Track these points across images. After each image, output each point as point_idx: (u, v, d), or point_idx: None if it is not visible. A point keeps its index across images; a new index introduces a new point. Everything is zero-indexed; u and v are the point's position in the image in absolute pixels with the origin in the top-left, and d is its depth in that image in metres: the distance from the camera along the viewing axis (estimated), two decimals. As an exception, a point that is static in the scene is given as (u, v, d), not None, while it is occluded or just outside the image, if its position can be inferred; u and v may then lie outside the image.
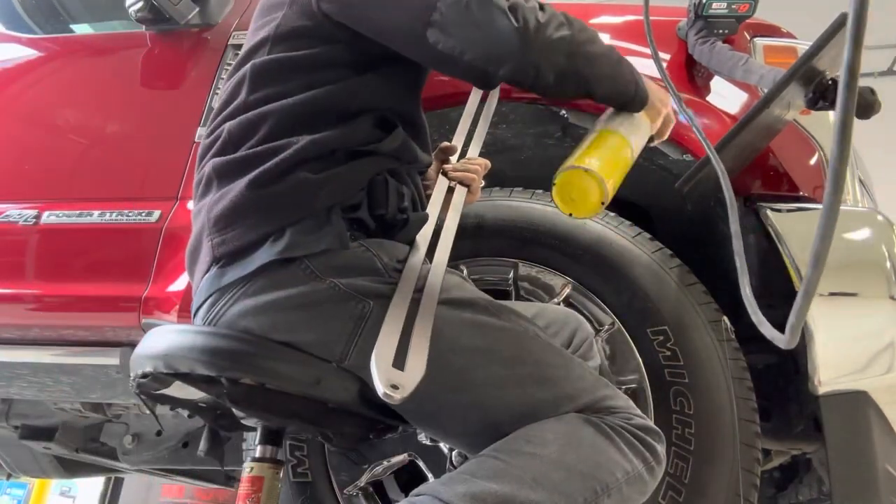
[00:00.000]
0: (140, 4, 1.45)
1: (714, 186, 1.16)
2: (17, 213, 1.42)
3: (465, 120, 1.16)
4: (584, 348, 1.05)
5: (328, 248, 0.78)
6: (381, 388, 0.65)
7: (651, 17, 1.10)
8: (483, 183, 1.10)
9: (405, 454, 1.18)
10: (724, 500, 1.02)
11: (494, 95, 1.23)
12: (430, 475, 1.16)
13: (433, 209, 0.95)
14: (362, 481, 1.18)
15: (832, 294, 1.06)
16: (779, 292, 1.09)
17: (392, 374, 0.66)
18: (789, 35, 1.35)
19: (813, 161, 1.23)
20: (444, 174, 1.03)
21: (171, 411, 0.98)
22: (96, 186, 1.46)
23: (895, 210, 1.23)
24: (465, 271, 1.25)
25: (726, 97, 1.28)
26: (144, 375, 0.83)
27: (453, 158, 1.11)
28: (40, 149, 1.54)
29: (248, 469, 0.87)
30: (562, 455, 0.71)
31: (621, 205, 1.45)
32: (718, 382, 1.07)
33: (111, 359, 1.33)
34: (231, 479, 2.26)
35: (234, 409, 0.85)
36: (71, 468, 2.30)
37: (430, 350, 0.71)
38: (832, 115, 1.26)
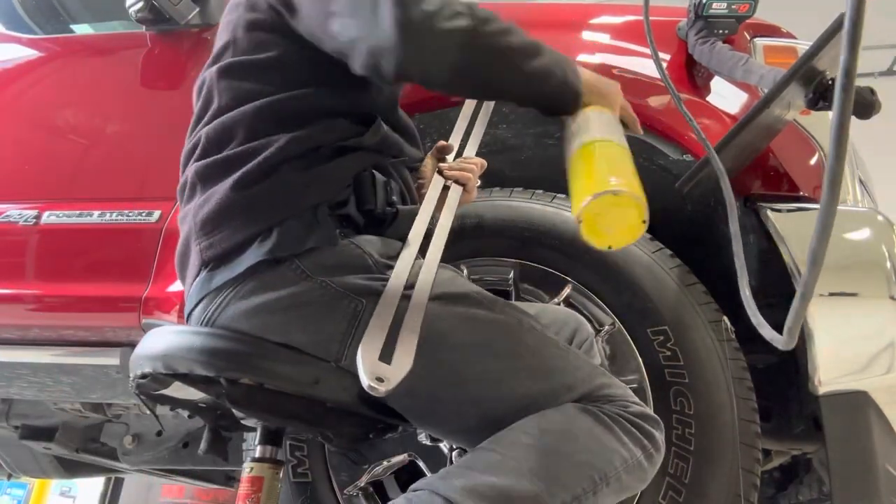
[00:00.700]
0: (140, 4, 1.45)
1: (714, 186, 1.16)
2: (18, 213, 1.42)
3: (463, 119, 1.16)
4: (584, 348, 1.05)
5: (316, 246, 0.77)
6: (365, 381, 0.64)
7: (651, 18, 1.10)
8: (479, 182, 1.09)
9: (405, 454, 1.18)
10: (725, 501, 1.02)
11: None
12: (429, 475, 1.15)
13: (427, 207, 0.93)
14: (362, 481, 1.18)
15: (832, 294, 1.06)
16: (779, 292, 1.09)
17: (377, 368, 0.66)
18: (789, 35, 1.35)
19: (813, 161, 1.23)
20: (440, 173, 1.02)
21: (171, 412, 0.98)
22: (96, 187, 1.46)
23: (895, 210, 1.23)
24: (465, 271, 1.25)
25: (726, 97, 1.28)
26: (144, 376, 0.83)
27: (450, 157, 1.10)
28: (40, 149, 1.54)
29: (247, 469, 0.87)
30: (559, 445, 0.70)
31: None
32: (719, 382, 1.07)
33: (111, 359, 1.33)
34: (231, 480, 2.26)
35: (233, 410, 0.85)
36: (71, 468, 2.30)
37: (424, 347, 0.71)
38: (832, 116, 1.26)
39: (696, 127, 0.93)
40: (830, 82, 0.93)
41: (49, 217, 1.40)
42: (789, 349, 0.49)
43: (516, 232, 1.24)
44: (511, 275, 1.24)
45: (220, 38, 0.91)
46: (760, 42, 1.32)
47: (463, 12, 0.76)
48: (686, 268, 1.18)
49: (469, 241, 1.24)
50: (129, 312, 1.30)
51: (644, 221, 0.77)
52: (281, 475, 0.89)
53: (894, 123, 2.62)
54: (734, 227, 0.75)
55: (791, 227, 1.12)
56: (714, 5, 1.25)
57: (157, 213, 1.35)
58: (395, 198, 0.89)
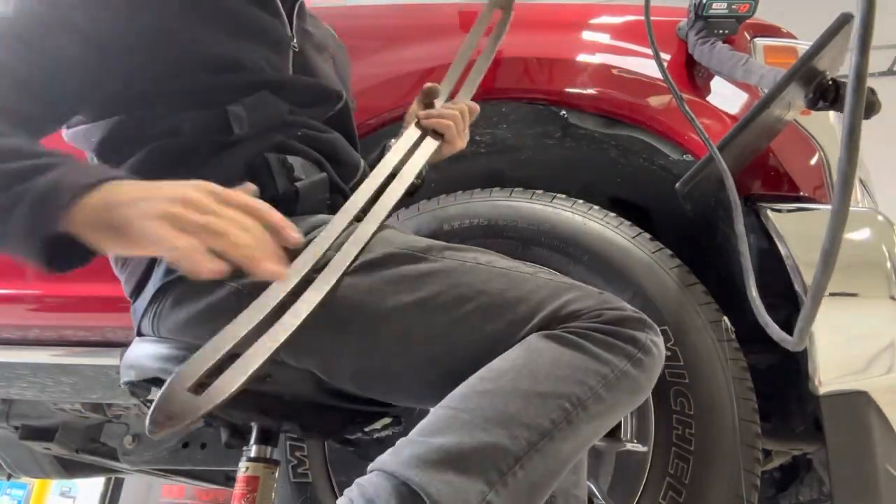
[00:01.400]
0: (140, 5, 1.44)
1: (714, 187, 1.16)
2: (18, 213, 1.42)
3: (460, 59, 1.04)
4: None
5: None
6: (146, 421, 0.55)
7: (651, 18, 1.10)
8: (466, 130, 0.99)
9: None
10: (725, 501, 1.01)
11: (504, 25, 1.10)
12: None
13: (389, 161, 0.85)
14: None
15: (832, 294, 1.06)
16: (779, 292, 1.09)
17: (173, 404, 0.56)
18: (789, 35, 1.35)
19: (813, 161, 1.23)
20: (417, 122, 0.93)
21: None
22: (96, 187, 1.45)
23: (895, 210, 1.23)
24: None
25: (726, 97, 1.28)
26: (127, 383, 0.86)
27: (438, 102, 1.00)
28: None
29: (243, 469, 0.87)
30: (517, 382, 0.63)
31: (622, 205, 1.45)
32: (719, 383, 1.07)
33: (111, 359, 1.33)
34: (231, 480, 2.26)
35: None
36: (71, 468, 2.30)
37: (356, 324, 0.69)
38: (832, 116, 1.26)
39: (698, 127, 0.93)
40: (830, 82, 0.93)
41: (49, 217, 1.40)
42: (799, 350, 0.49)
43: (516, 232, 1.23)
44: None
45: None
46: (760, 42, 1.32)
47: None
48: (686, 268, 1.18)
49: (469, 242, 1.24)
50: (129, 313, 1.30)
51: None
52: (276, 475, 0.89)
53: (894, 123, 2.62)
54: (739, 227, 0.75)
55: (791, 227, 1.12)
56: (714, 5, 1.25)
57: (157, 214, 1.35)
58: (297, 174, 0.82)
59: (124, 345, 1.32)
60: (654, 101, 1.27)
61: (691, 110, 1.08)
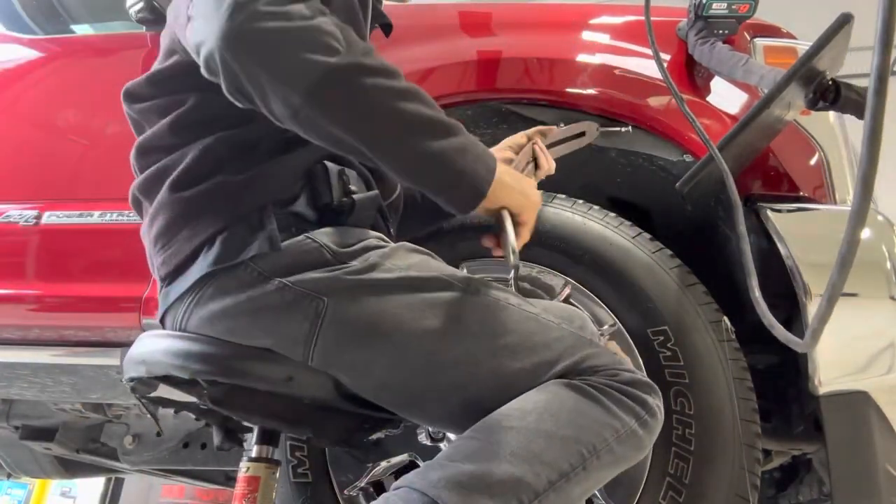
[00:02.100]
0: (140, 5, 1.45)
1: (714, 187, 1.16)
2: (18, 213, 1.42)
3: (563, 133, 1.21)
4: None
5: (260, 252, 0.74)
6: None
7: (651, 18, 1.10)
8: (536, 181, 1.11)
9: (405, 454, 1.18)
10: (725, 501, 1.02)
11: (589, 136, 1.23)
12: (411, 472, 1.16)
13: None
14: (363, 482, 1.18)
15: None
16: (779, 293, 1.09)
17: None
18: (789, 35, 1.35)
19: (813, 161, 1.23)
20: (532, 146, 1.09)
21: (174, 414, 0.98)
22: (97, 187, 1.46)
23: (895, 210, 1.23)
24: (465, 271, 1.25)
25: (726, 98, 1.28)
26: (131, 380, 0.84)
27: (543, 140, 1.13)
28: (41, 149, 1.54)
29: (244, 469, 0.87)
30: (540, 423, 0.68)
31: (622, 205, 1.45)
32: (719, 383, 1.07)
33: (112, 359, 1.33)
34: (231, 480, 2.26)
35: (217, 410, 0.84)
36: (71, 468, 2.30)
37: (392, 338, 0.71)
38: (832, 116, 1.26)
39: (698, 127, 0.93)
40: (830, 83, 0.93)
41: (49, 217, 1.40)
42: (810, 351, 0.49)
43: (516, 232, 1.23)
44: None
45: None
46: (760, 42, 1.32)
47: (328, 32, 0.66)
48: (686, 268, 1.18)
49: (469, 242, 1.24)
50: (129, 312, 1.30)
51: None
52: (277, 475, 0.89)
53: (894, 123, 2.62)
54: (740, 227, 0.76)
55: (791, 227, 1.12)
56: (714, 6, 1.25)
57: (157, 214, 1.35)
58: (352, 186, 0.85)
59: (124, 345, 1.32)
60: (654, 101, 1.27)
61: (691, 110, 1.08)
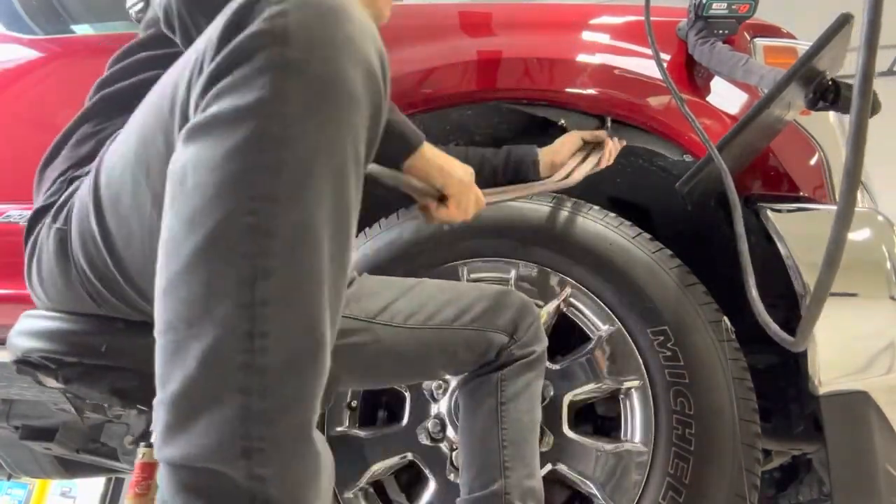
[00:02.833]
0: (140, 5, 1.44)
1: (714, 187, 1.16)
2: (18, 213, 1.42)
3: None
4: (530, 333, 1.04)
5: None
6: None
7: (651, 18, 1.10)
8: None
9: (406, 454, 1.18)
10: (725, 501, 1.02)
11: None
12: (430, 475, 1.16)
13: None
14: (362, 482, 1.18)
15: (832, 294, 1.05)
16: (779, 293, 1.09)
17: None
18: (789, 35, 1.35)
19: (813, 161, 1.23)
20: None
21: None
22: (97, 187, 1.46)
23: (895, 210, 1.23)
24: (465, 272, 1.25)
25: (726, 98, 1.28)
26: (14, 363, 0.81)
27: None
28: (41, 149, 1.54)
29: (140, 455, 0.82)
30: (178, 247, 0.46)
31: (621, 205, 1.45)
32: (719, 383, 1.07)
33: (111, 359, 1.33)
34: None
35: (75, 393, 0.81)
36: (71, 468, 2.30)
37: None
38: (832, 116, 1.26)
39: (698, 127, 0.93)
40: (830, 83, 0.93)
41: (49, 217, 1.40)
42: (800, 350, 0.49)
43: (516, 232, 1.24)
44: (511, 275, 1.24)
45: None
46: (760, 42, 1.32)
47: None
48: (686, 268, 1.18)
49: (469, 242, 1.24)
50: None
51: None
52: None
53: (894, 123, 2.62)
54: (739, 227, 0.75)
55: (791, 227, 1.12)
56: (714, 6, 1.25)
57: (157, 214, 1.35)
58: None
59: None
60: (654, 101, 1.27)
61: (691, 111, 1.08)
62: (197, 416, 0.43)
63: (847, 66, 1.00)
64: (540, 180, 1.22)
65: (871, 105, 0.39)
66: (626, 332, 1.16)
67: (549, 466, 1.13)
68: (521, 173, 1.26)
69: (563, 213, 1.23)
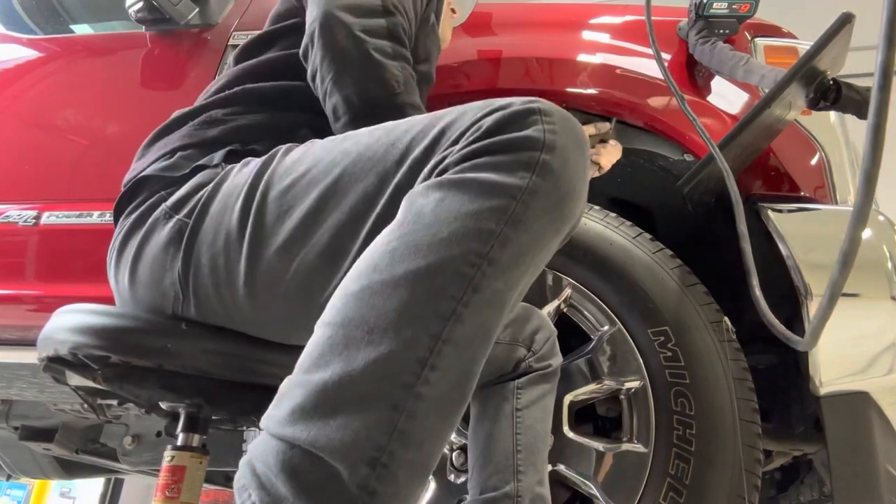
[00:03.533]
0: (140, 4, 1.44)
1: (715, 187, 1.16)
2: (17, 213, 1.42)
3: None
4: (546, 347, 1.04)
5: None
6: None
7: (652, 18, 1.10)
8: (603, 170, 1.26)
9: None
10: (726, 501, 1.01)
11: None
12: (430, 475, 1.15)
13: None
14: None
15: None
16: (779, 293, 1.09)
17: None
18: (790, 35, 1.35)
19: (814, 161, 1.23)
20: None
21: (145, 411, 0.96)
22: (96, 187, 1.45)
23: (895, 210, 1.23)
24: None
25: (727, 97, 1.28)
26: (41, 360, 0.82)
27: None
28: (40, 149, 1.54)
29: (167, 458, 0.81)
30: (393, 267, 0.50)
31: (622, 205, 1.45)
32: (719, 383, 1.07)
33: (111, 359, 1.33)
34: (230, 480, 2.26)
35: (114, 393, 0.81)
36: (71, 469, 2.30)
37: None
38: (833, 116, 1.26)
39: (699, 127, 0.93)
40: (831, 82, 0.93)
41: (49, 217, 1.40)
42: (810, 350, 0.49)
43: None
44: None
45: None
46: (761, 42, 1.32)
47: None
48: (687, 268, 1.18)
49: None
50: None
51: None
52: (205, 465, 0.83)
53: (894, 123, 2.62)
54: (742, 227, 0.75)
55: (792, 227, 1.12)
56: (715, 5, 1.25)
57: (156, 214, 1.35)
58: None
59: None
60: (655, 101, 1.27)
61: (692, 110, 1.08)
62: (341, 411, 0.45)
63: (848, 66, 1.00)
64: None
65: (888, 101, 0.39)
66: (626, 333, 1.15)
67: (549, 467, 1.12)
68: None
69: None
